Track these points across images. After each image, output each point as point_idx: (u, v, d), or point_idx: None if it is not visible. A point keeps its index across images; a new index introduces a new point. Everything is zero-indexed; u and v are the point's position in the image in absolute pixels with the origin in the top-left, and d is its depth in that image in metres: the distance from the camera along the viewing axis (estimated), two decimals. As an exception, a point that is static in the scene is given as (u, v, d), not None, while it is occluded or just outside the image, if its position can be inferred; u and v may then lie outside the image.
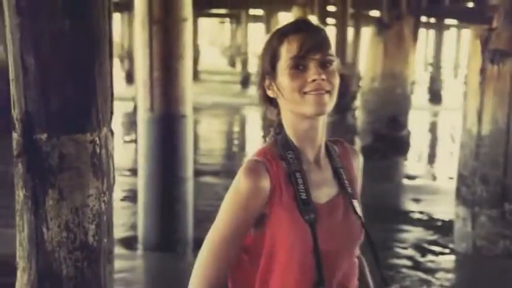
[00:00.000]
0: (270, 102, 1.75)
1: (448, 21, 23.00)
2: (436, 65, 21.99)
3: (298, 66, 1.62)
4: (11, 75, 2.30)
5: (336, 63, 1.66)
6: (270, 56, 1.68)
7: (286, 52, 1.64)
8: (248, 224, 1.65)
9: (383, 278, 1.78)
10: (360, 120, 11.55)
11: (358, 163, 1.84)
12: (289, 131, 1.70)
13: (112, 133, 2.40)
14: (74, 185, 2.27)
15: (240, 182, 1.63)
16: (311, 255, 1.62)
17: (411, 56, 10.99)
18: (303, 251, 1.62)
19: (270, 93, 1.72)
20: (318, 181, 1.70)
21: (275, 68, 1.67)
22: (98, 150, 2.30)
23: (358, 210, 1.73)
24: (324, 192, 1.70)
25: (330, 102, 1.63)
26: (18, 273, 2.33)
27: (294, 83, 1.62)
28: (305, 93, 1.62)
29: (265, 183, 1.62)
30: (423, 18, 15.40)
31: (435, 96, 20.97)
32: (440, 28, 22.58)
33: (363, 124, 11.17)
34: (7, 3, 2.26)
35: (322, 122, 1.70)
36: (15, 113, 2.29)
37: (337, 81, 1.65)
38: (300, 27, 1.67)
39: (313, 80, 1.61)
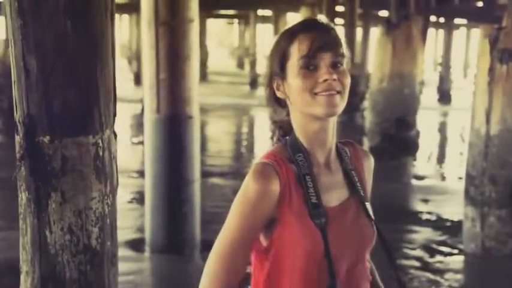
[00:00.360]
0: (278, 103, 1.72)
1: (458, 20, 22.91)
2: (446, 65, 21.91)
3: (308, 66, 1.59)
4: (13, 78, 2.29)
5: (347, 63, 1.63)
6: (280, 56, 1.64)
7: (297, 52, 1.60)
8: (257, 228, 1.62)
9: (400, 281, 1.75)
10: (368, 121, 11.51)
11: (369, 165, 1.80)
12: (298, 132, 1.67)
13: (115, 135, 2.39)
14: (76, 187, 2.25)
15: (249, 186, 1.59)
16: (322, 260, 1.58)
17: (420, 56, 10.94)
18: (314, 256, 1.59)
19: (279, 94, 1.68)
20: (329, 184, 1.66)
21: (285, 68, 1.63)
22: (100, 153, 2.29)
23: (371, 213, 1.70)
24: (334, 195, 1.67)
25: (341, 103, 1.60)
26: (22, 277, 2.32)
27: (305, 83, 1.58)
28: (316, 93, 1.58)
29: (275, 187, 1.59)
30: (432, 18, 15.34)
31: (444, 96, 20.90)
32: (449, 27, 22.50)
33: (371, 124, 11.13)
34: (9, 5, 2.25)
35: (333, 123, 1.66)
36: (18, 115, 2.28)
37: (348, 81, 1.61)
38: (310, 26, 1.63)
39: (325, 80, 1.57)
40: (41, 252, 2.27)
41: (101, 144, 2.28)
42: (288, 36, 1.63)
